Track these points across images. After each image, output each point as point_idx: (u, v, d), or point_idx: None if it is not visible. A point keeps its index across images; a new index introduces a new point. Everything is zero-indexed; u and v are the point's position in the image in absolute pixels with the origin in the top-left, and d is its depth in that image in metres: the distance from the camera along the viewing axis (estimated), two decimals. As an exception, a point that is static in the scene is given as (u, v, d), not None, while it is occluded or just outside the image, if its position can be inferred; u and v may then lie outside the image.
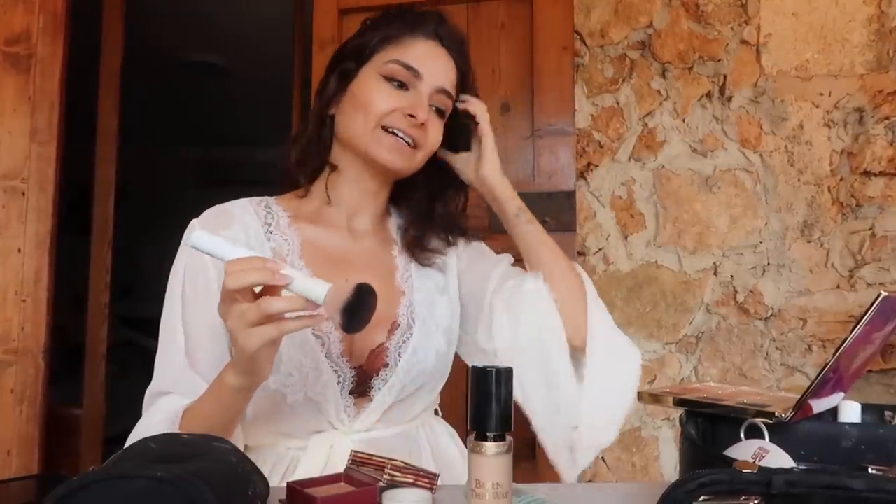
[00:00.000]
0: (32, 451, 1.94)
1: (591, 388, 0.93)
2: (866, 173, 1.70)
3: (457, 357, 1.05)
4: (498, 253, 1.08)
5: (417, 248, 1.02)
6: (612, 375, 0.95)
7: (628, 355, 0.97)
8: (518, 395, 0.89)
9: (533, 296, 0.95)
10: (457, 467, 0.99)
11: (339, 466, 0.76)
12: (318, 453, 0.89)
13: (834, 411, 0.74)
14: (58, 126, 2.04)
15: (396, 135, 0.93)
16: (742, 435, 0.63)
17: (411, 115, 0.92)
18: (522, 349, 0.94)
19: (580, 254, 1.79)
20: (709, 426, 0.65)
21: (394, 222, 1.07)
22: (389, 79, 0.94)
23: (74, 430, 2.29)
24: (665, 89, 1.81)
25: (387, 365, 0.94)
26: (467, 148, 1.04)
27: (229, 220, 0.94)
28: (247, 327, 0.69)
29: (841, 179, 1.71)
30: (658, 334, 1.77)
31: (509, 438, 0.59)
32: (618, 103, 1.83)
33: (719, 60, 1.78)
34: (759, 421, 0.63)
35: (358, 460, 0.72)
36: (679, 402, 0.66)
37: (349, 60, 0.99)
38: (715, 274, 1.76)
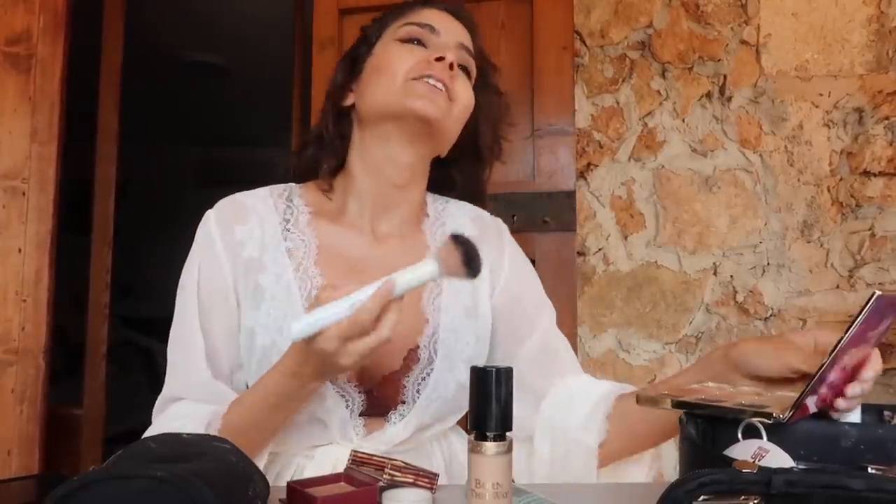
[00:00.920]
0: (33, 451, 1.94)
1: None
2: (866, 173, 1.70)
3: None
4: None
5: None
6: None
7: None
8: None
9: (579, 450, 0.89)
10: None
11: None
12: (324, 463, 0.86)
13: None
14: (58, 126, 2.04)
15: (428, 82, 0.86)
16: (739, 435, 0.63)
17: (439, 59, 0.86)
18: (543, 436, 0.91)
19: (580, 254, 1.79)
20: (708, 426, 0.65)
21: (432, 226, 0.97)
22: (406, 41, 0.90)
23: (74, 430, 2.29)
24: (665, 89, 1.81)
25: (404, 402, 0.89)
26: None
27: (246, 214, 0.90)
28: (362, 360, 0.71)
29: (841, 179, 1.71)
30: (658, 334, 1.77)
31: (509, 438, 0.59)
32: (618, 103, 1.83)
33: (719, 60, 1.78)
34: (756, 421, 0.63)
35: (358, 460, 0.72)
36: (677, 405, 0.66)
37: (359, 47, 0.96)
38: (715, 274, 1.76)
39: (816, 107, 1.73)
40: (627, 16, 1.84)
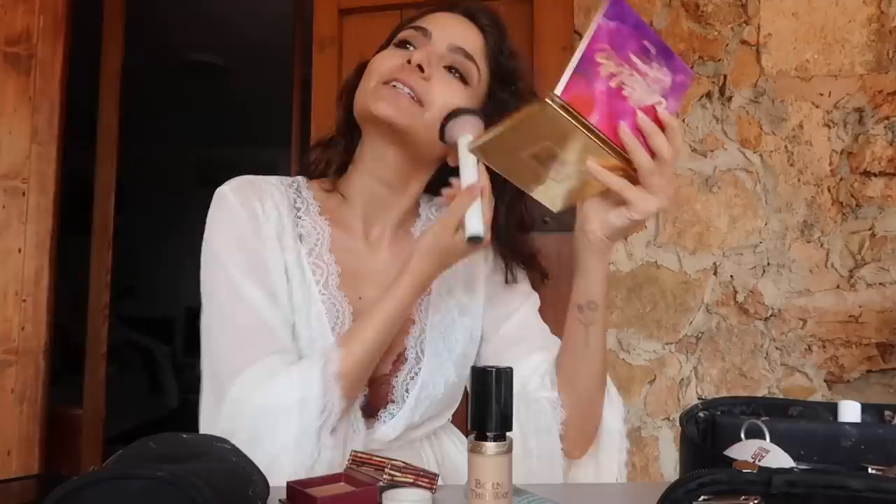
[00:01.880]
0: (33, 451, 1.95)
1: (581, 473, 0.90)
2: (866, 173, 1.70)
3: None
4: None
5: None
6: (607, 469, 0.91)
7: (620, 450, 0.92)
8: None
9: (540, 407, 0.88)
10: (462, 474, 0.96)
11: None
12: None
13: (834, 411, 0.74)
14: (58, 126, 2.04)
15: (395, 86, 0.86)
16: (742, 435, 0.63)
17: (419, 68, 0.85)
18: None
19: (580, 254, 1.79)
20: (709, 426, 0.65)
21: (421, 228, 0.98)
22: (399, 44, 0.91)
23: (74, 430, 2.29)
24: (665, 89, 1.81)
25: (393, 401, 0.90)
26: None
27: (262, 193, 0.89)
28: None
29: (841, 179, 1.71)
30: (658, 334, 1.77)
31: (509, 438, 0.59)
32: (618, 103, 1.83)
33: (719, 60, 1.78)
34: (757, 421, 0.63)
35: (358, 460, 0.72)
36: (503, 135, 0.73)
37: (380, 47, 0.96)
38: (715, 274, 1.76)
39: (816, 107, 1.73)
40: (627, 16, 1.84)
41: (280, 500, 0.67)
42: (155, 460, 0.56)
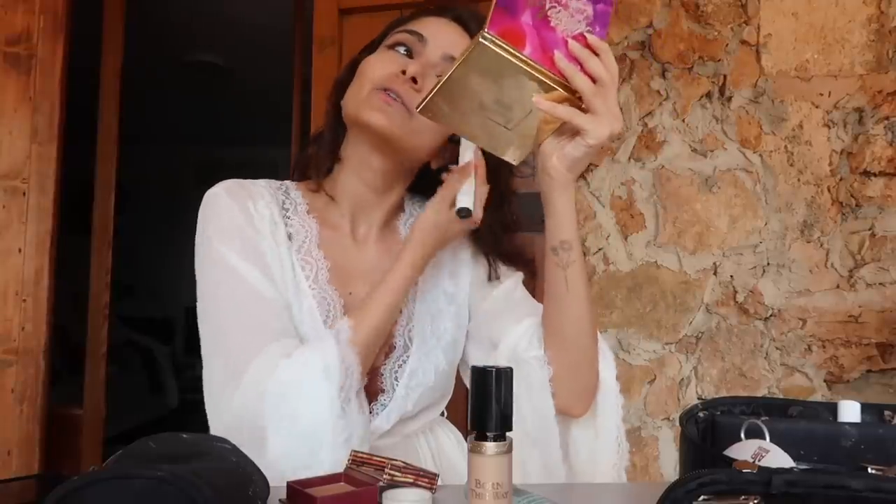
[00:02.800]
0: (33, 451, 1.95)
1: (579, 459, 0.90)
2: (866, 173, 1.70)
3: None
4: None
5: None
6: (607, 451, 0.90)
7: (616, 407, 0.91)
8: None
9: (529, 367, 0.88)
10: (459, 469, 0.96)
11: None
12: None
13: (834, 411, 0.74)
14: (58, 126, 2.04)
15: (388, 94, 0.86)
16: (742, 435, 0.63)
17: (413, 80, 0.87)
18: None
19: (580, 254, 1.79)
20: (709, 426, 0.65)
21: (406, 221, 1.00)
22: (392, 47, 0.91)
23: (74, 430, 2.30)
24: (665, 89, 1.81)
25: (384, 391, 0.91)
26: None
27: (252, 194, 0.90)
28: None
29: (840, 179, 1.71)
30: (658, 334, 1.77)
31: (509, 438, 0.59)
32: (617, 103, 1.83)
33: (719, 60, 1.78)
34: (757, 421, 0.63)
35: (358, 460, 0.72)
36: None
37: (367, 47, 0.97)
38: (715, 274, 1.76)
39: (816, 107, 1.73)
40: (627, 16, 1.84)
41: (280, 500, 0.67)
42: (155, 460, 0.56)
